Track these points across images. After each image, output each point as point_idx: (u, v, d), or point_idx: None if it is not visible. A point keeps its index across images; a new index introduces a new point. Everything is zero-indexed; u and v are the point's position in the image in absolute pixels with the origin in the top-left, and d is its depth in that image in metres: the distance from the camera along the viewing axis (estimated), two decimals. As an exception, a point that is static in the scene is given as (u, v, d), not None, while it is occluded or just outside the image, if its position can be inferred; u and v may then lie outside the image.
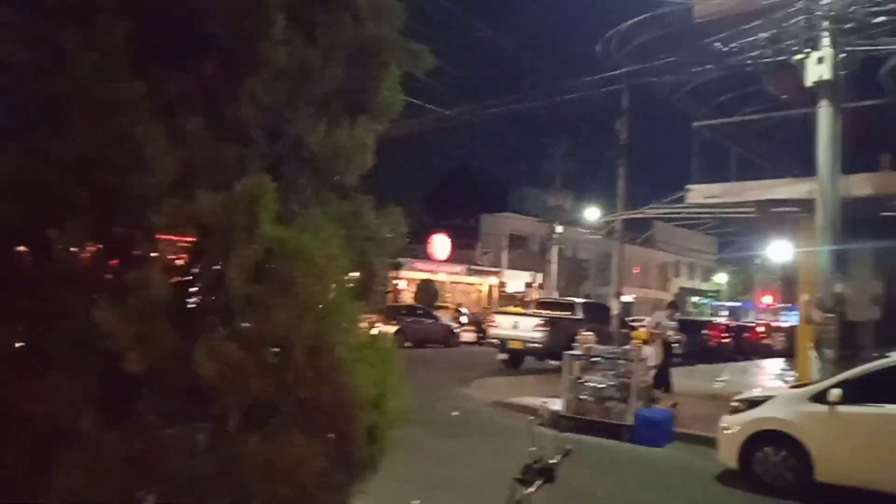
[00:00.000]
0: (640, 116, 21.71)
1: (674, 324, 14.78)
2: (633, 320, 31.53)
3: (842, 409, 7.47)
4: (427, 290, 33.94)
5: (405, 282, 36.56)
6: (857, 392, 7.50)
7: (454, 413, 11.91)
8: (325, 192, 2.05)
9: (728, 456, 8.22)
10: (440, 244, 37.08)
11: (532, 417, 3.00)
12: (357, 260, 2.11)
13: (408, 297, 34.83)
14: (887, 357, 7.99)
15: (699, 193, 15.35)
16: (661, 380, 13.70)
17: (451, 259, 37.88)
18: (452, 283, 39.49)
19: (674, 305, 16.34)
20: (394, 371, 2.13)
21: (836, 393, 7.54)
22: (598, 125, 32.66)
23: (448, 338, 27.90)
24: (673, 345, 14.79)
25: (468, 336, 30.29)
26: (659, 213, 17.21)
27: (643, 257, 50.38)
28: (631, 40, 14.70)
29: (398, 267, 35.29)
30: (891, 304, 15.59)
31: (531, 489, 2.78)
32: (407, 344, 25.88)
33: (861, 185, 13.03)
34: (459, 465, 7.90)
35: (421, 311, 28.45)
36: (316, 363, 1.72)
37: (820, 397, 7.69)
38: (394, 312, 27.41)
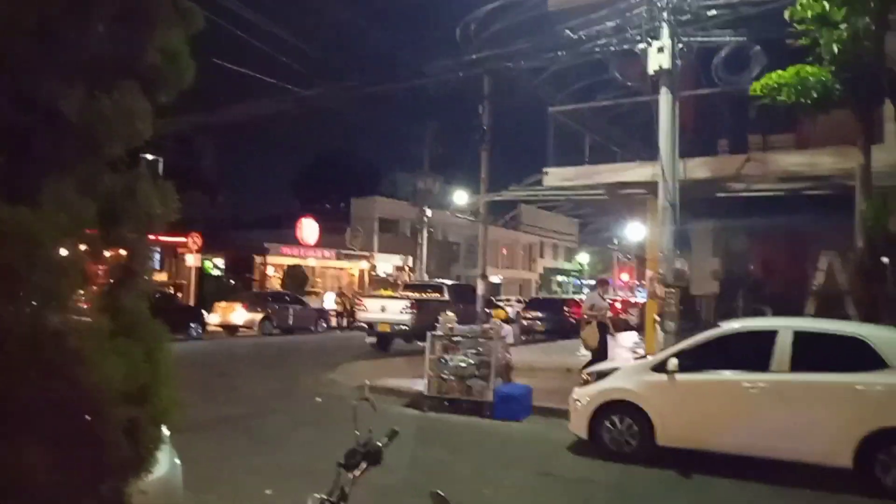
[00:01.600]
0: (503, 101, 22.13)
1: (606, 304, 14.21)
2: (500, 300, 32.36)
3: (679, 377, 7.97)
4: (295, 276, 33.26)
5: (273, 268, 35.64)
6: (691, 361, 8.02)
7: (317, 399, 11.73)
8: (91, 165, 1.85)
9: (578, 426, 8.56)
10: (309, 228, 36.37)
11: (355, 402, 2.92)
12: (117, 239, 1.92)
13: (276, 283, 34.03)
14: (718, 327, 8.62)
15: (555, 176, 15.89)
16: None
17: (321, 243, 37.26)
18: (322, 267, 38.91)
19: (603, 283, 15.55)
20: (160, 361, 1.96)
21: (673, 362, 8.03)
22: (463, 109, 33.07)
23: (317, 323, 27.52)
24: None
25: (339, 321, 30.03)
26: (519, 195, 17.68)
27: (510, 239, 51.85)
28: (489, 26, 14.93)
29: (264, 252, 34.31)
30: (728, 279, 16.90)
31: (356, 473, 2.71)
32: (275, 331, 25.32)
33: (700, 168, 13.94)
34: (317, 452, 7.71)
35: (289, 297, 27.85)
36: (39, 356, 1.53)
37: (660, 367, 8.17)
38: (260, 299, 26.69)
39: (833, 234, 12.05)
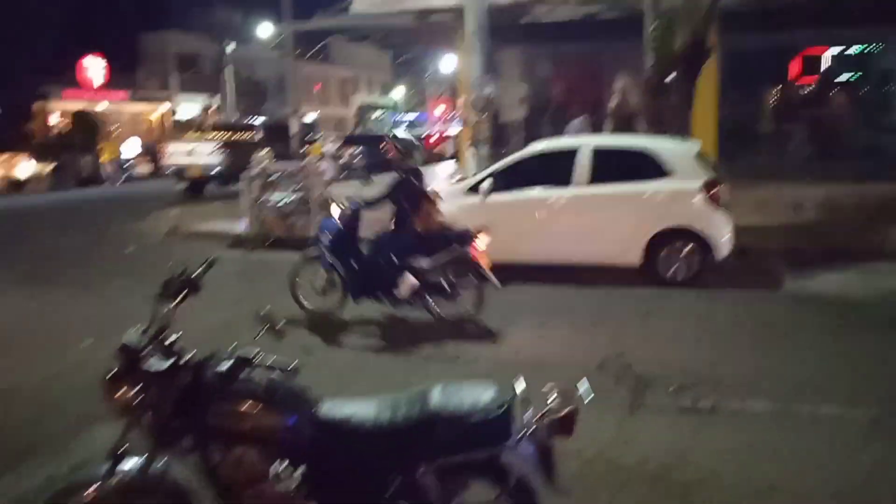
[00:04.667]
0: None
1: None
2: (315, 138, 31.63)
3: (492, 197, 8.41)
4: (85, 123, 30.02)
5: (58, 115, 31.84)
6: (503, 181, 8.46)
7: (128, 250, 11.08)
8: None
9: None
10: (94, 68, 32.45)
11: (165, 231, 2.79)
12: None
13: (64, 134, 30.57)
14: (527, 148, 9.05)
15: (363, 2, 15.22)
16: None
17: (111, 85, 33.60)
18: (116, 112, 35.43)
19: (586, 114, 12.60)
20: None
21: (486, 184, 8.44)
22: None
23: (116, 173, 25.45)
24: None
25: (143, 169, 27.93)
26: (326, 24, 16.80)
27: (322, 74, 49.94)
28: None
29: (44, 97, 30.53)
30: (534, 104, 17.60)
31: (175, 302, 2.64)
32: (68, 184, 23.15)
33: (510, -8, 13.91)
34: (135, 300, 7.39)
35: (80, 146, 25.26)
36: None
37: (474, 189, 8.56)
38: (47, 149, 24.01)
39: (627, 57, 12.78)
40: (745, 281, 8.00)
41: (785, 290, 7.66)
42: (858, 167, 14.71)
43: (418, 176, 7.06)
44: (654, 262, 7.93)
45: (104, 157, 25.34)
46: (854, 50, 18.52)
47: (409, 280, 6.56)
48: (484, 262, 6.62)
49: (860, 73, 18.61)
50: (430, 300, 6.66)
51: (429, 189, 7.19)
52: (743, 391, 4.83)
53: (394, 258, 6.63)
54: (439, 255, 6.64)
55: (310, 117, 41.36)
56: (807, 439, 4.14)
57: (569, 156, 8.37)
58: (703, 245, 7.80)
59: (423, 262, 6.64)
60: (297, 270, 7.11)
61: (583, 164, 8.21)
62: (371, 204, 6.91)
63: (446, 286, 6.65)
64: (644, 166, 8.07)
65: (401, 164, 7.03)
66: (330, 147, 26.15)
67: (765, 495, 3.55)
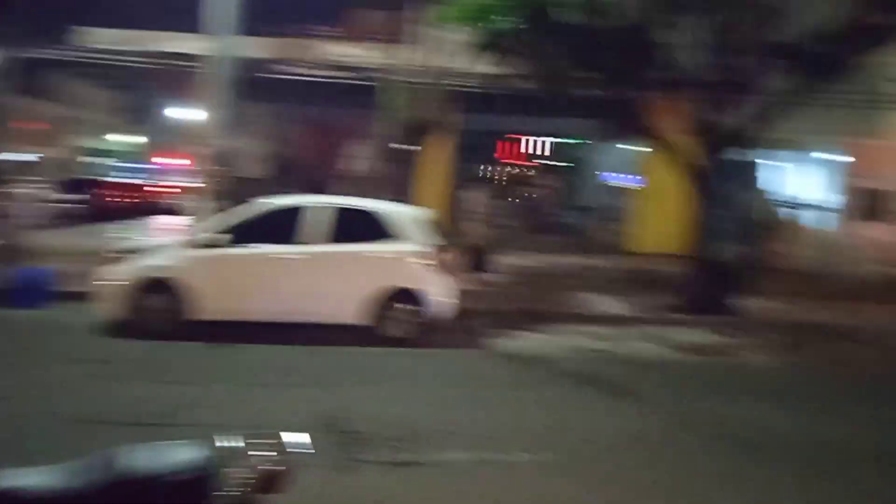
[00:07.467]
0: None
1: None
2: (20, 180, 27.94)
3: (216, 251, 8.19)
4: None
5: None
6: (229, 237, 8.25)
7: None
8: None
9: (111, 308, 8.15)
10: None
11: None
12: None
13: None
14: (257, 204, 8.96)
15: (96, 38, 14.21)
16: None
17: None
18: None
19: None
20: None
21: (212, 239, 8.22)
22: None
23: None
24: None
25: None
26: (50, 55, 15.26)
27: (39, 112, 44.83)
28: None
29: None
30: (278, 162, 17.63)
31: None
32: None
33: (259, 47, 13.93)
34: None
35: None
36: None
37: (199, 244, 8.29)
38: None
39: (362, 122, 13.41)
40: (456, 340, 8.59)
41: (490, 349, 8.42)
42: (559, 241, 16.89)
43: None
44: (377, 322, 8.22)
45: None
46: (559, 139, 21.44)
47: None
48: None
49: (567, 160, 21.59)
50: None
51: None
52: (442, 443, 5.17)
53: None
54: None
55: (27, 157, 36.75)
56: (498, 484, 4.54)
57: (294, 214, 8.46)
58: (422, 306, 8.28)
59: None
60: None
61: (308, 222, 8.34)
62: None
63: None
64: (368, 227, 8.42)
65: None
66: (28, 190, 23.28)
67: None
